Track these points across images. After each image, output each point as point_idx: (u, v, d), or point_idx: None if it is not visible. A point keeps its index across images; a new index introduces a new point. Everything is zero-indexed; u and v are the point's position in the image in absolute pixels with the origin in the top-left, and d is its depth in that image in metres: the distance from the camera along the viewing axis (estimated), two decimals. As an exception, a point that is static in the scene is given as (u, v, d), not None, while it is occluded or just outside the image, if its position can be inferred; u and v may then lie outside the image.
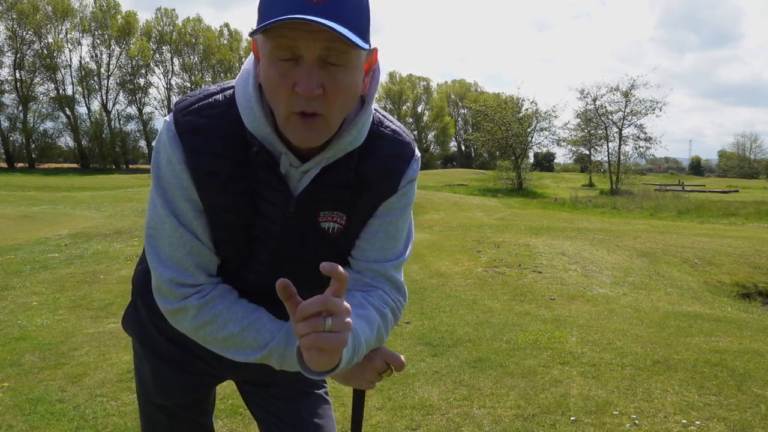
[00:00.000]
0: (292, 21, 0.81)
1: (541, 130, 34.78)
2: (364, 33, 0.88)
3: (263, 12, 0.86)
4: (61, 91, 52.19)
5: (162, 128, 1.02)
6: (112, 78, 55.27)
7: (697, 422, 2.90)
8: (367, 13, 0.89)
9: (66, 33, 51.43)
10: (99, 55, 54.11)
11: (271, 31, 0.84)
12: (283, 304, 1.18)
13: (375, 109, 1.07)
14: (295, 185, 1.02)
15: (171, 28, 58.29)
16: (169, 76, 59.65)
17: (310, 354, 0.84)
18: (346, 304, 0.84)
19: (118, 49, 54.80)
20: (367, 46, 0.89)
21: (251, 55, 1.01)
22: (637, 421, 2.93)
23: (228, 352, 1.06)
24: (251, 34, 0.88)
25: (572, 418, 2.96)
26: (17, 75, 49.46)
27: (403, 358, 1.14)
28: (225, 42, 61.28)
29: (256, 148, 0.97)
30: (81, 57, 74.27)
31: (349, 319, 0.84)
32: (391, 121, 1.10)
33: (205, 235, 1.04)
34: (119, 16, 53.69)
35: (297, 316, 0.82)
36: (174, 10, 59.15)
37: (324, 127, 0.91)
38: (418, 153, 1.11)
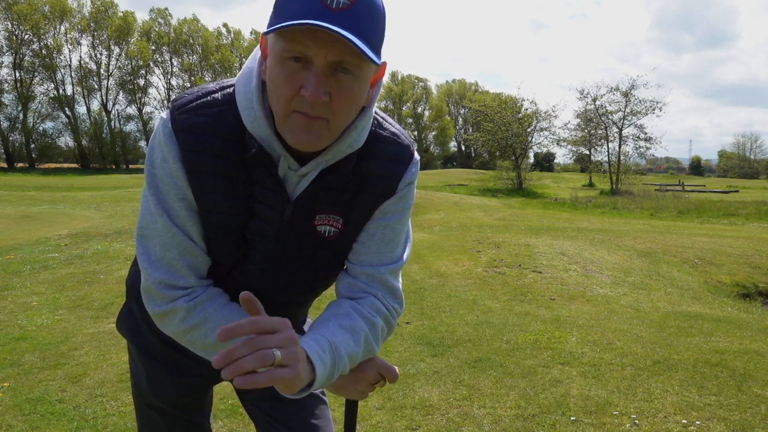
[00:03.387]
0: (310, 26, 0.80)
1: (541, 130, 34.81)
2: (377, 48, 0.88)
3: (280, 10, 0.84)
4: (60, 91, 52.21)
5: (158, 125, 0.99)
6: (111, 78, 55.33)
7: (697, 422, 2.90)
8: (383, 28, 0.89)
9: (65, 33, 51.45)
10: (98, 55, 54.17)
11: (287, 33, 0.83)
12: (277, 307, 1.16)
13: (374, 111, 1.06)
14: (292, 188, 1.01)
15: (168, 28, 58.23)
16: (169, 77, 59.70)
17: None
18: (289, 334, 0.82)
19: (117, 49, 54.85)
20: (378, 61, 0.88)
21: (254, 53, 0.99)
22: (637, 421, 2.93)
23: None
24: (265, 33, 0.86)
25: (572, 418, 2.96)
26: (16, 75, 49.44)
27: (397, 369, 1.12)
28: (225, 42, 61.19)
29: (254, 149, 0.95)
30: (80, 57, 74.31)
31: (294, 349, 0.82)
32: (391, 124, 1.08)
33: (198, 235, 1.02)
34: (117, 17, 53.62)
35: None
36: (166, 9, 58.94)
37: (325, 131, 0.90)
38: (417, 156, 1.10)
